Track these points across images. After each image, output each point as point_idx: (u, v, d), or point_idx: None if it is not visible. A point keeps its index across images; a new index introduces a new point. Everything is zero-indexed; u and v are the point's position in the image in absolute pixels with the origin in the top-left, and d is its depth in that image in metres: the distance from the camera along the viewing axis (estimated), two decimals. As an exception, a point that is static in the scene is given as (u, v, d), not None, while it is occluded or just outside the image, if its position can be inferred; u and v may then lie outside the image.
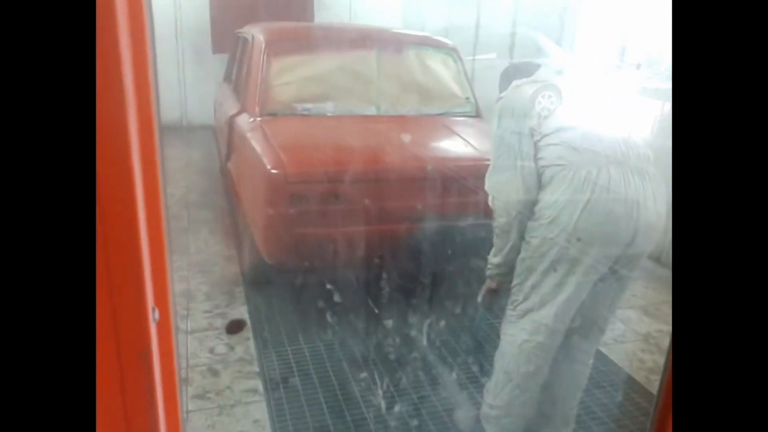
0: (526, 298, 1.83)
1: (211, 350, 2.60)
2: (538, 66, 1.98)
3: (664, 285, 3.40)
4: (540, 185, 1.77)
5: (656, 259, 3.68)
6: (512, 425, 1.93)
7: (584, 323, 1.91)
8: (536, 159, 1.77)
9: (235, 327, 2.47)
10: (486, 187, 1.88)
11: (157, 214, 0.53)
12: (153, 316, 0.54)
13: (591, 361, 2.03)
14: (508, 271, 1.88)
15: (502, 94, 1.93)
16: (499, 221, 1.84)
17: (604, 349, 2.72)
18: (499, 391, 1.91)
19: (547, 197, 1.73)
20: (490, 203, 1.87)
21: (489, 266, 1.95)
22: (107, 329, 0.51)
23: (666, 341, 2.79)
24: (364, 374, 2.48)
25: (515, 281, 1.86)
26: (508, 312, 1.90)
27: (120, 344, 0.51)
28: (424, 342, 2.74)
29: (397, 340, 2.76)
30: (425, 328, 2.82)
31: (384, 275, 2.87)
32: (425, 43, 3.57)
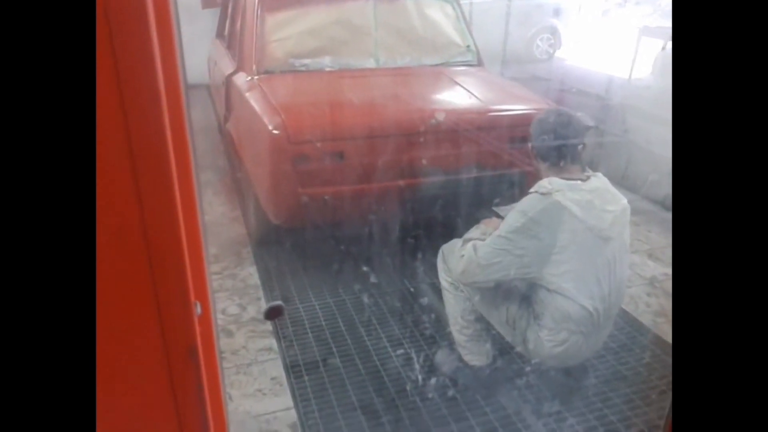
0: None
1: (223, 311, 2.64)
2: (588, 129, 1.99)
3: (667, 229, 3.41)
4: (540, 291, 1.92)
5: (660, 202, 3.69)
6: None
7: None
8: (541, 273, 1.87)
9: (274, 313, 2.47)
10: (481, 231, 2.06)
11: (192, 198, 0.52)
12: (196, 310, 0.54)
13: None
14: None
15: (538, 190, 1.86)
16: (459, 276, 2.04)
17: (610, 295, 2.77)
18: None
19: (552, 325, 1.91)
20: (460, 256, 2.00)
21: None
22: (153, 327, 0.51)
23: (671, 285, 2.83)
24: (375, 328, 2.53)
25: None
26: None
27: (167, 342, 0.51)
28: (427, 290, 2.79)
29: (403, 292, 2.80)
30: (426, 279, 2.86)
31: (389, 230, 2.88)
32: (422, -10, 3.45)
